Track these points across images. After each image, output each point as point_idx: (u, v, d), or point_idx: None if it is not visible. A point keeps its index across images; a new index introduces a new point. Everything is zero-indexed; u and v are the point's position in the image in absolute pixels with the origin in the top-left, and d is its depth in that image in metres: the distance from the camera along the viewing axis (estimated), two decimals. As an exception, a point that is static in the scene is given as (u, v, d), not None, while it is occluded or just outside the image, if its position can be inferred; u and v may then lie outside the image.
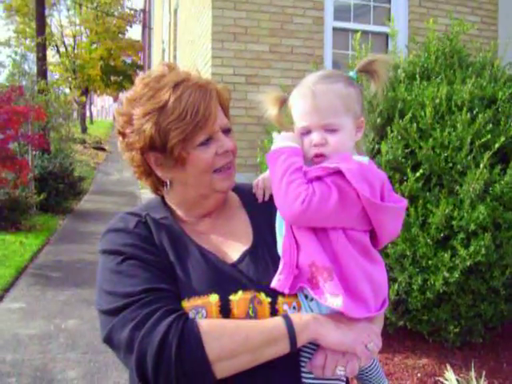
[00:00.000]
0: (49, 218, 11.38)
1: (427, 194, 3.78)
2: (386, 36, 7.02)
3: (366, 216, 1.38)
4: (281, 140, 1.47)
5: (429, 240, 3.69)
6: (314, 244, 1.37)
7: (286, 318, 1.31)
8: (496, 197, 3.72)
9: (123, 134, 1.48)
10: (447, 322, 3.97)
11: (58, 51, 34.01)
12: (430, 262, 3.71)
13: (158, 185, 1.55)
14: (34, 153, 11.79)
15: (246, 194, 1.65)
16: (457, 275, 3.62)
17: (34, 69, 16.43)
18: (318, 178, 1.38)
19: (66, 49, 34.30)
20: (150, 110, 1.40)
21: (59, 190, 11.89)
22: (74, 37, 36.19)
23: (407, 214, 3.68)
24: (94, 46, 34.00)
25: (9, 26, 35.34)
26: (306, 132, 1.46)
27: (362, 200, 1.35)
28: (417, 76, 4.33)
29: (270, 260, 1.44)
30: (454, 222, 3.66)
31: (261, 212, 1.58)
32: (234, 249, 1.48)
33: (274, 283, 1.37)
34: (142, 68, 33.31)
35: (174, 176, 1.48)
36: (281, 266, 1.39)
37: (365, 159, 1.43)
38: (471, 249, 3.60)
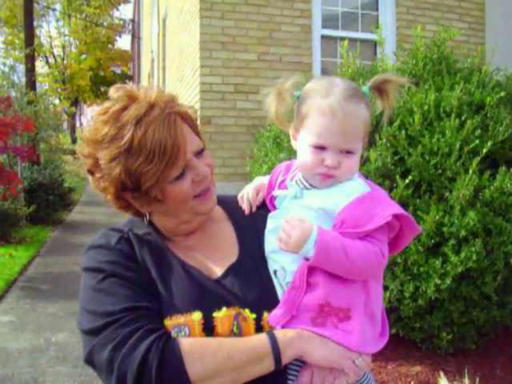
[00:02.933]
0: (39, 229, 11.27)
1: (417, 200, 3.77)
2: (375, 43, 7.04)
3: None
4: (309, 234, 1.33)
5: (420, 247, 3.67)
6: (334, 285, 1.34)
7: (271, 334, 1.28)
8: (486, 202, 3.71)
9: (92, 174, 1.42)
10: (440, 329, 3.95)
11: (47, 62, 33.98)
12: (421, 268, 3.69)
13: (139, 214, 1.52)
14: (23, 164, 11.70)
15: (231, 206, 1.62)
16: (448, 282, 3.60)
17: (24, 80, 16.36)
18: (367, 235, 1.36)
19: (56, 59, 34.28)
20: (116, 153, 1.33)
21: (49, 202, 11.78)
22: (64, 47, 36.13)
23: (398, 221, 3.65)
24: (84, 56, 33.98)
25: (-3, 37, 35.22)
26: (319, 147, 1.39)
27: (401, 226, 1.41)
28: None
29: (255, 274, 1.42)
30: (444, 229, 3.65)
31: (247, 225, 1.55)
32: (219, 263, 1.45)
33: (271, 317, 1.34)
34: (131, 78, 33.30)
35: (153, 209, 1.45)
36: (282, 301, 1.36)
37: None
38: (462, 255, 3.58)
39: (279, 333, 1.29)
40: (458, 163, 3.74)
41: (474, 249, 3.57)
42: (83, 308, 1.34)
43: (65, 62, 33.75)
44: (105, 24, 35.67)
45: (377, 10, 7.40)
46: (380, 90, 1.47)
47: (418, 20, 7.04)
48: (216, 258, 1.47)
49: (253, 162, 5.37)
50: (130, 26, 34.95)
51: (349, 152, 1.38)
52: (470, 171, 3.65)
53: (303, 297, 1.34)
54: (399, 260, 3.72)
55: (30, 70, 16.17)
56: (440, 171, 3.78)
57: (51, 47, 36.12)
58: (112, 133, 1.34)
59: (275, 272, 1.44)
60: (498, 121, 3.95)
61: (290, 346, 1.27)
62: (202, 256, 1.47)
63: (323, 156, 1.38)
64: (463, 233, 3.60)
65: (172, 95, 1.45)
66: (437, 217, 3.62)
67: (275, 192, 1.54)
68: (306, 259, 1.35)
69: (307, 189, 1.46)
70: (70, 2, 34.07)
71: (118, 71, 35.58)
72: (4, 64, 17.50)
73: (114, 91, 1.41)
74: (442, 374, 3.71)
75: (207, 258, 1.47)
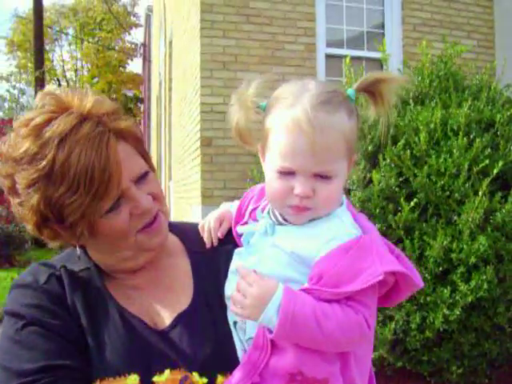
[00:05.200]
0: (44, 252, 11.15)
1: (423, 224, 3.54)
2: (381, 62, 6.87)
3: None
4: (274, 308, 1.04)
5: (427, 275, 3.44)
6: (308, 350, 1.06)
7: None
8: (497, 226, 3.48)
9: (13, 197, 1.18)
10: (449, 362, 3.70)
11: (59, 85, 34.27)
12: (428, 298, 3.45)
13: (72, 244, 1.27)
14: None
15: (190, 237, 1.37)
16: (458, 312, 3.37)
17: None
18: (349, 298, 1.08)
19: (68, 83, 34.61)
20: (34, 178, 1.10)
21: (54, 225, 11.66)
22: (76, 71, 36.55)
23: (402, 247, 3.44)
24: (95, 79, 34.26)
25: (11, 61, 35.73)
26: (286, 172, 1.11)
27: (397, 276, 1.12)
28: (410, 100, 4.14)
29: (210, 325, 1.17)
30: (453, 255, 3.42)
31: (207, 261, 1.30)
32: (168, 309, 1.21)
33: (226, 383, 1.09)
34: (142, 101, 33.47)
35: (85, 243, 1.22)
36: (241, 362, 1.10)
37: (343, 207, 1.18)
38: (472, 283, 3.36)
39: None
40: (467, 185, 3.52)
41: (484, 277, 3.34)
42: None
43: (77, 85, 34.02)
44: (116, 48, 36.05)
45: (383, 27, 7.24)
46: (372, 92, 1.18)
47: (425, 38, 6.86)
48: (165, 301, 1.23)
49: (253, 184, 5.17)
50: (141, 50, 35.21)
51: (325, 176, 1.10)
52: (480, 193, 3.44)
53: (268, 359, 1.07)
54: (405, 288, 3.48)
55: (40, 93, 16.21)
56: (448, 193, 3.56)
57: (63, 71, 36.57)
58: (31, 152, 1.11)
59: (235, 323, 1.18)
60: (508, 139, 3.75)
61: None
62: (149, 299, 1.24)
63: (292, 183, 1.10)
64: (473, 259, 3.37)
65: (114, 106, 1.21)
66: (444, 242, 3.40)
67: (240, 228, 1.28)
68: (269, 330, 1.07)
69: (280, 224, 1.18)
70: (82, 27, 34.53)
71: (130, 94, 35.76)
72: (14, 87, 17.61)
73: (40, 98, 1.17)
74: (452, 411, 3.46)
75: (155, 302, 1.23)
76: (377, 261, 1.06)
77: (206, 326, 1.18)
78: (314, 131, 1.07)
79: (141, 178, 1.20)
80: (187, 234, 1.38)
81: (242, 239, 1.26)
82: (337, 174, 1.12)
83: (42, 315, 1.15)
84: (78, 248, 1.25)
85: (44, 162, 1.09)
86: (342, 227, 1.13)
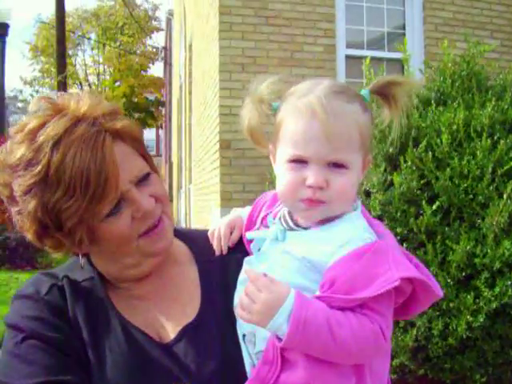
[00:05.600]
0: (65, 255, 11.23)
1: (446, 228, 3.45)
2: (402, 63, 6.77)
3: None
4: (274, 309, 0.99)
5: (449, 280, 3.35)
6: (319, 364, 0.99)
7: None
8: (523, 230, 3.36)
9: (13, 207, 1.15)
10: (473, 370, 3.59)
11: (81, 89, 34.64)
12: (451, 304, 3.36)
13: (75, 253, 1.23)
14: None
15: (198, 244, 1.31)
16: (482, 319, 3.27)
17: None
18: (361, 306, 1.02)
19: (90, 87, 35.00)
20: (30, 184, 1.07)
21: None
22: (98, 75, 36.94)
23: (424, 252, 3.36)
24: (117, 83, 34.56)
25: (34, 66, 36.21)
26: (299, 161, 1.06)
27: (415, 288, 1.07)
28: (432, 101, 4.04)
29: (217, 339, 1.11)
30: (476, 260, 3.32)
31: (216, 270, 1.24)
32: (174, 321, 1.16)
33: None
34: (163, 104, 33.68)
35: (88, 250, 1.18)
36: (250, 378, 1.05)
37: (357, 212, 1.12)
38: (497, 289, 3.25)
39: None
40: (491, 187, 3.41)
41: (509, 282, 3.23)
42: None
43: (99, 89, 34.36)
44: (138, 52, 36.36)
45: (403, 27, 7.13)
46: (385, 94, 1.15)
47: (447, 38, 6.75)
48: (171, 312, 1.18)
49: (273, 187, 5.12)
50: (163, 53, 35.43)
51: (339, 166, 1.05)
52: (505, 196, 3.33)
53: (279, 375, 1.01)
54: (426, 294, 3.40)
55: (62, 97, 16.39)
56: (471, 196, 3.46)
57: (86, 75, 36.97)
58: (27, 157, 1.08)
59: (244, 336, 1.12)
60: (535, 140, 3.63)
61: None
62: (154, 310, 1.19)
63: (305, 174, 1.05)
64: (497, 264, 3.26)
65: (112, 107, 1.17)
66: (468, 247, 3.30)
67: (250, 234, 1.22)
68: (278, 338, 1.00)
69: (292, 229, 1.13)
70: (104, 31, 34.89)
71: (152, 98, 36.00)
72: (37, 91, 17.88)
73: (34, 102, 1.14)
74: (476, 421, 3.37)
75: (160, 314, 1.18)
76: (393, 267, 1.00)
77: (213, 339, 1.12)
78: (328, 116, 1.03)
79: (142, 180, 1.15)
80: (195, 241, 1.33)
81: (251, 246, 1.21)
82: (351, 166, 1.07)
83: (43, 328, 1.11)
84: (80, 257, 1.21)
85: (39, 167, 1.06)
86: (356, 232, 1.07)
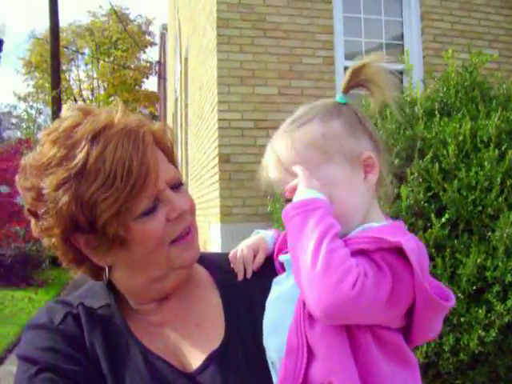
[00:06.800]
0: (61, 272, 11.12)
1: (455, 241, 3.38)
2: (400, 73, 6.75)
3: (406, 311, 0.96)
4: (307, 187, 1.01)
5: (460, 294, 3.26)
6: (338, 352, 0.91)
7: None
8: (534, 242, 3.29)
9: (35, 215, 1.08)
10: (485, 387, 3.51)
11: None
12: (462, 319, 3.27)
13: (96, 271, 1.15)
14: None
15: (218, 268, 1.24)
16: (494, 334, 3.19)
17: (50, 122, 16.57)
18: (362, 252, 0.94)
19: (85, 102, 35.01)
20: (65, 177, 1.01)
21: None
22: (92, 90, 36.95)
23: (434, 265, 3.28)
24: (112, 98, 34.58)
25: (28, 81, 36.22)
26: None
27: (416, 293, 0.93)
28: (436, 112, 3.99)
29: (245, 367, 1.03)
30: (487, 273, 3.25)
31: (240, 295, 1.16)
32: (197, 348, 1.08)
33: None
34: (158, 119, 33.70)
35: (115, 259, 1.09)
36: (275, 381, 0.97)
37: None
38: (509, 303, 3.17)
39: None
40: (500, 198, 3.35)
41: (522, 296, 3.15)
42: None
43: (93, 104, 34.37)
44: (132, 66, 36.41)
45: (402, 39, 7.11)
46: (361, 84, 1.13)
47: (446, 48, 6.73)
48: (194, 340, 1.10)
49: (273, 201, 5.05)
50: (157, 68, 35.49)
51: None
52: (514, 207, 3.27)
53: (307, 367, 0.93)
54: (437, 309, 3.32)
55: (56, 112, 16.38)
56: (480, 208, 3.39)
57: (80, 90, 36.98)
58: (61, 154, 1.03)
59: (273, 364, 1.04)
60: (543, 150, 3.58)
61: None
62: (176, 337, 1.11)
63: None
64: (509, 277, 3.19)
65: (143, 119, 1.13)
66: (478, 260, 3.23)
67: (282, 257, 1.16)
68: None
69: None
70: (98, 46, 34.96)
71: (146, 112, 36.03)
72: (31, 107, 17.84)
73: (66, 109, 1.11)
74: None
75: (182, 340, 1.10)
76: (403, 237, 0.96)
77: (241, 367, 1.05)
78: (269, 158, 1.13)
79: (175, 186, 1.11)
80: (216, 264, 1.26)
81: (284, 266, 1.15)
82: (328, 181, 1.04)
83: (58, 360, 1.03)
84: (107, 270, 1.13)
85: (75, 161, 1.01)
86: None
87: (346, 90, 1.14)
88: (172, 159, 1.16)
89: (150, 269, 1.10)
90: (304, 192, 1.00)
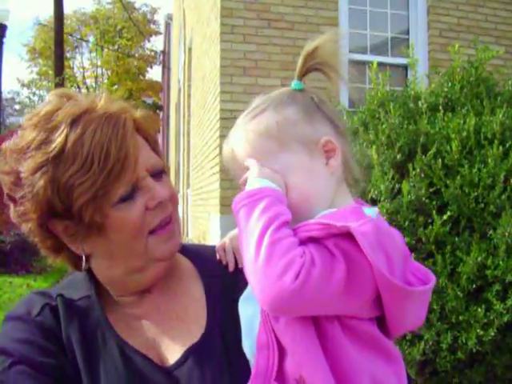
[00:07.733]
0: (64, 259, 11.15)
1: (456, 239, 3.34)
2: (405, 68, 6.70)
3: (376, 299, 0.91)
4: (257, 177, 0.99)
5: (459, 292, 3.24)
6: (305, 344, 0.88)
7: None
8: (535, 241, 3.26)
9: (13, 200, 1.05)
10: (482, 386, 3.49)
11: (80, 92, 34.60)
12: (460, 317, 3.25)
13: (74, 260, 1.12)
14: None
15: (204, 260, 1.21)
16: (492, 333, 3.16)
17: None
18: (313, 240, 0.91)
19: (88, 90, 34.95)
20: (42, 161, 0.99)
21: (71, 231, 11.68)
22: (96, 78, 36.91)
23: (433, 263, 3.26)
24: (115, 86, 34.55)
25: (32, 68, 36.17)
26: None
27: (376, 279, 0.88)
28: (440, 107, 3.95)
29: (224, 362, 1.01)
30: (487, 272, 3.21)
31: (224, 286, 1.14)
32: (176, 343, 1.05)
33: None
34: (161, 108, 33.63)
35: (93, 248, 1.07)
36: (250, 380, 0.92)
37: (371, 212, 0.99)
38: (509, 302, 3.14)
39: None
40: (503, 196, 3.31)
41: (522, 295, 3.12)
42: None
43: (97, 92, 34.38)
44: (136, 55, 36.33)
45: (407, 33, 7.05)
46: (315, 67, 1.12)
47: (452, 43, 6.67)
48: (174, 333, 1.07)
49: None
50: (161, 57, 35.39)
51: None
52: (517, 206, 3.22)
53: (280, 361, 0.90)
54: (435, 306, 3.29)
55: (59, 100, 16.33)
56: (482, 205, 3.36)
57: (84, 78, 36.94)
58: (40, 138, 1.01)
59: (250, 362, 1.01)
60: (548, 148, 3.54)
61: None
62: (156, 330, 1.08)
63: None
64: (510, 277, 3.15)
65: (127, 104, 1.10)
66: (479, 258, 3.20)
67: None
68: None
69: None
70: (102, 34, 34.87)
71: (149, 101, 35.98)
72: (34, 94, 17.81)
73: (49, 95, 1.09)
74: None
75: (162, 334, 1.08)
76: (357, 221, 0.90)
77: (220, 362, 1.02)
78: (227, 151, 1.11)
79: (156, 175, 1.08)
80: (201, 256, 1.23)
81: None
82: (286, 169, 1.02)
83: (33, 352, 1.01)
84: (83, 260, 1.10)
85: (53, 144, 0.99)
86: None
87: (300, 76, 1.13)
88: (155, 147, 1.13)
89: (129, 259, 1.07)
90: (253, 182, 0.98)
